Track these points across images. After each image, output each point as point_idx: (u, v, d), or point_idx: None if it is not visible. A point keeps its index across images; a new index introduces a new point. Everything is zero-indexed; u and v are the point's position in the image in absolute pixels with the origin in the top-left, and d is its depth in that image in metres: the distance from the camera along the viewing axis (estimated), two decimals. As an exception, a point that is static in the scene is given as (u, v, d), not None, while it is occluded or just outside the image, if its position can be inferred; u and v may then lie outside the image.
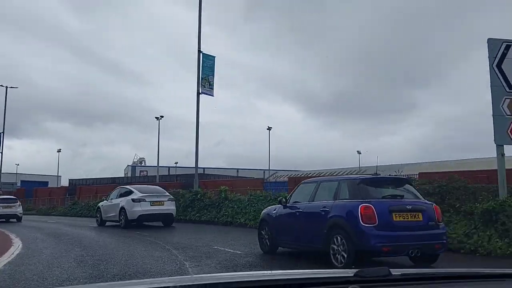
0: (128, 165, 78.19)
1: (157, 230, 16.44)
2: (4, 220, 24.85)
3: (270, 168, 58.64)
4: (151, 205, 17.79)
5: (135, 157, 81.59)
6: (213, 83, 23.68)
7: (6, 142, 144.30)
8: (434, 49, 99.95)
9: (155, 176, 50.98)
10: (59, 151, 73.23)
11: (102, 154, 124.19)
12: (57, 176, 73.90)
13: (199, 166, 24.79)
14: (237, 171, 67.32)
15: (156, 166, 52.36)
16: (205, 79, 23.32)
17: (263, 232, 10.41)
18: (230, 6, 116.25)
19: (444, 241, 8.05)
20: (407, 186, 8.65)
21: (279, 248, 10.08)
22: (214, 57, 24.27)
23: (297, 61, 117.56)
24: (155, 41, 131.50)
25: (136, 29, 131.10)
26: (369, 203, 7.70)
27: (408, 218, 7.79)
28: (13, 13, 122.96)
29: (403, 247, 7.58)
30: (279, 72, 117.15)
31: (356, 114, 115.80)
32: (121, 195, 18.98)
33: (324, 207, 8.46)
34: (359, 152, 60.68)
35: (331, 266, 7.83)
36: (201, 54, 23.56)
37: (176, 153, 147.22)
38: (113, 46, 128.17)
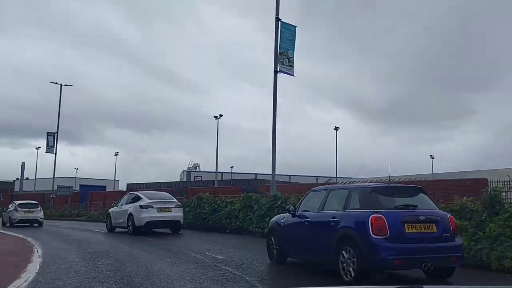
0: (183, 171, 79.91)
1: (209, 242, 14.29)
2: (28, 224, 25.60)
3: (323, 175, 57.96)
4: (158, 211, 17.56)
5: (190, 163, 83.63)
6: (294, 59, 19.26)
7: (71, 149, 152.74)
8: (493, 53, 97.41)
9: (213, 181, 51.34)
10: (116, 154, 75.66)
11: (158, 160, 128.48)
12: (114, 180, 75.12)
13: (250, 171, 24.46)
14: (289, 178, 65.77)
15: (210, 172, 52.81)
16: (284, 54, 18.96)
17: (270, 242, 10.10)
18: (283, 13, 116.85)
19: (460, 254, 7.62)
20: (422, 195, 8.23)
21: (287, 258, 9.75)
22: (295, 27, 19.72)
23: (350, 68, 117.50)
24: (208, 50, 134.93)
25: (190, 38, 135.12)
26: (380, 214, 7.33)
27: (421, 230, 7.39)
28: (76, 26, 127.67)
29: (416, 260, 7.18)
30: (332, 79, 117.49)
31: (410, 121, 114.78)
32: (130, 201, 18.73)
33: (334, 217, 8.11)
34: (432, 157, 58.68)
35: (341, 279, 7.48)
36: (279, 23, 19.06)
37: (227, 159, 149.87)
38: (169, 55, 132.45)
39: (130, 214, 17.84)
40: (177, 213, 18.09)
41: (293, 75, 19.27)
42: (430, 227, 7.47)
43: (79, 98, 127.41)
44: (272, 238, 10.06)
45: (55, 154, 47.97)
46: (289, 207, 9.76)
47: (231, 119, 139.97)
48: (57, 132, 47.80)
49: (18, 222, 25.68)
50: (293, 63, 19.15)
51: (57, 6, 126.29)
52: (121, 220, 18.69)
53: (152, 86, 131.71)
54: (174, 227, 18.18)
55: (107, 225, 20.40)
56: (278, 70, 18.75)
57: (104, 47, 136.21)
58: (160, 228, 18.26)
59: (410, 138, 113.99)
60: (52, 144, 47.69)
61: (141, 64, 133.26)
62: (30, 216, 26.19)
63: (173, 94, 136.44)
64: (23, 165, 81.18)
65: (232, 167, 69.95)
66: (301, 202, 9.73)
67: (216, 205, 20.26)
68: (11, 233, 19.43)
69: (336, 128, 58.75)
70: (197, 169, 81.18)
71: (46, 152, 48.76)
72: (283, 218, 10.00)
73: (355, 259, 7.35)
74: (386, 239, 7.17)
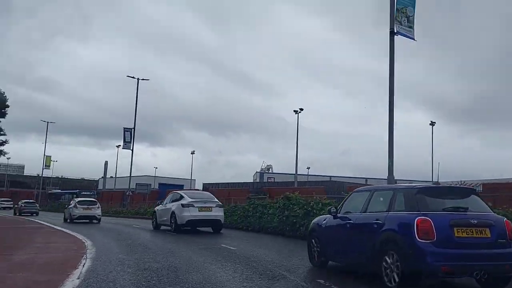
0: (256, 172, 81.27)
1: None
2: (88, 221, 26.80)
3: (401, 178, 55.50)
4: (199, 210, 17.92)
5: (263, 164, 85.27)
6: (414, 19, 15.53)
7: (152, 150, 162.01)
8: None
9: (287, 182, 50.69)
10: (192, 152, 79.65)
11: (232, 161, 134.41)
12: (191, 179, 77.69)
13: (323, 174, 23.96)
14: (366, 181, 63.65)
15: (283, 173, 52.41)
16: (402, 12, 15.26)
17: (312, 244, 9.73)
18: (358, 11, 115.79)
19: (517, 261, 6.96)
20: (473, 197, 7.61)
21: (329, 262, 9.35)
22: None
23: (430, 66, 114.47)
24: (283, 51, 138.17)
25: (265, 39, 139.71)
26: (426, 216, 6.81)
27: (472, 234, 6.80)
28: (157, 32, 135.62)
29: (466, 267, 6.61)
30: (410, 78, 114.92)
31: (497, 120, 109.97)
32: (174, 200, 19.19)
33: (377, 219, 7.63)
34: None
35: (384, 285, 7.02)
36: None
37: (299, 160, 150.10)
38: (243, 58, 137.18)
39: (173, 213, 18.34)
40: (217, 213, 18.35)
41: (414, 39, 15.57)
42: (483, 232, 6.86)
43: (159, 101, 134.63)
44: (313, 240, 9.68)
45: (132, 150, 47.47)
46: (331, 208, 9.34)
47: (304, 120, 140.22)
48: (134, 128, 47.27)
49: (77, 219, 26.87)
50: (414, 23, 15.54)
51: (139, 13, 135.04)
52: (165, 218, 19.20)
53: (227, 89, 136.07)
54: (215, 226, 18.42)
55: (153, 223, 20.92)
56: (395, 31, 15.04)
57: (182, 51, 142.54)
58: (201, 227, 18.65)
59: (495, 138, 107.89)
60: (129, 140, 47.20)
61: (217, 66, 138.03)
62: (88, 212, 27.33)
63: (247, 96, 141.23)
64: (106, 164, 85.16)
65: (308, 168, 68.80)
66: (343, 203, 9.28)
67: (309, 207, 16.46)
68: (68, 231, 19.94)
69: (433, 123, 55.37)
70: (270, 171, 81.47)
71: (123, 148, 48.70)
72: (324, 220, 9.60)
73: (398, 264, 6.87)
74: (433, 243, 6.64)
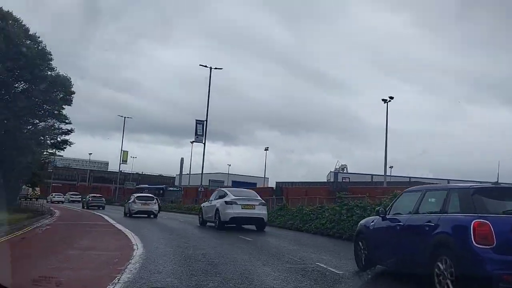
0: (330, 171, 79.72)
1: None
2: (146, 216, 27.80)
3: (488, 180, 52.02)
4: (242, 208, 17.99)
5: (337, 164, 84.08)
6: None
7: (226, 149, 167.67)
8: None
9: (369, 182, 48.26)
10: (266, 149, 77.83)
11: (304, 160, 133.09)
12: (264, 177, 78.45)
13: (403, 175, 22.13)
14: (448, 182, 57.14)
15: (358, 174, 50.33)
16: None
17: (359, 246, 9.22)
18: (440, 5, 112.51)
19: None
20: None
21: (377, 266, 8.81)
22: None
23: None
24: (356, 49, 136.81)
25: (339, 36, 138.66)
26: (485, 219, 6.18)
27: (538, 241, 6.11)
28: (231, 32, 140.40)
29: (531, 277, 5.93)
30: (496, 74, 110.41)
31: None
32: (218, 197, 19.45)
33: (429, 221, 7.05)
34: None
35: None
36: None
37: (375, 160, 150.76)
38: (316, 56, 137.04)
39: (217, 210, 18.54)
40: (261, 211, 18.30)
41: None
42: (550, 239, 6.15)
43: (234, 102, 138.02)
44: (360, 243, 9.17)
45: (204, 143, 46.37)
46: (379, 208, 8.80)
47: (378, 119, 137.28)
48: (206, 120, 46.29)
49: (135, 213, 27.91)
50: None
51: (216, 14, 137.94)
52: (210, 215, 19.54)
53: (300, 87, 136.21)
54: (258, 224, 18.44)
55: (199, 219, 21.31)
56: None
57: (256, 51, 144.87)
58: (245, 225, 18.68)
59: None
60: (201, 133, 46.23)
61: (290, 65, 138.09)
62: (146, 208, 28.40)
63: (320, 94, 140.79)
64: (182, 160, 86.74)
65: (391, 167, 65.04)
66: (393, 203, 8.72)
67: None
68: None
69: None
70: (345, 171, 79.85)
71: (195, 141, 47.43)
72: (372, 221, 9.06)
73: (452, 271, 6.28)
74: (492, 249, 6.01)
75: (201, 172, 46.62)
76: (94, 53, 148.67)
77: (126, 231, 16.90)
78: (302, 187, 45.88)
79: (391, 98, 43.93)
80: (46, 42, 31.11)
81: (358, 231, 9.61)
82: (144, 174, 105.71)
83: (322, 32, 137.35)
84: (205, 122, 45.59)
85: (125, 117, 70.35)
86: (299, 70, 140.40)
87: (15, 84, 30.54)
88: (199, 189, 49.03)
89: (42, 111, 32.23)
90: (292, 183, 60.00)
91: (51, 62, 30.84)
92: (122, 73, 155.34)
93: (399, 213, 8.17)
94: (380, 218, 8.62)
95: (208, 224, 19.95)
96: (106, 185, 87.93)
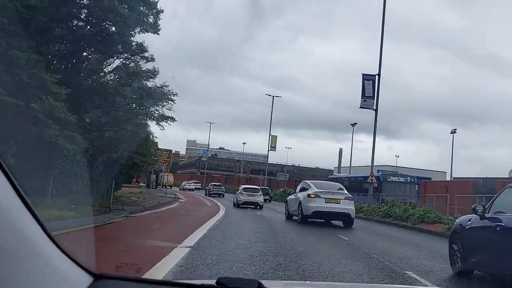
0: None
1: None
2: (253, 206, 28.98)
3: None
4: (326, 202, 16.99)
5: None
6: None
7: (388, 143, 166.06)
8: None
9: None
10: (453, 131, 56.05)
11: (476, 155, 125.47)
12: (442, 171, 71.71)
13: None
14: None
15: None
16: None
17: (454, 247, 8.20)
18: None
19: None
20: None
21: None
22: None
23: None
24: None
25: None
26: None
27: None
28: (392, 22, 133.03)
29: None
30: None
31: None
32: (301, 190, 18.88)
33: (537, 222, 5.96)
34: None
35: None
36: None
37: None
38: (489, 39, 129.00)
39: (300, 203, 17.89)
40: (346, 206, 17.19)
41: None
42: None
43: (395, 93, 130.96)
44: (454, 244, 8.16)
45: (376, 110, 31.86)
46: (476, 206, 7.72)
47: None
48: (378, 78, 39.19)
49: (242, 204, 29.23)
50: None
51: (374, 5, 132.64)
52: (294, 208, 18.93)
53: (471, 75, 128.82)
54: (344, 220, 17.42)
55: (285, 212, 20.92)
56: None
57: (419, 39, 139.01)
58: (329, 220, 17.75)
59: None
60: (371, 94, 28.65)
61: (459, 52, 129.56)
62: (251, 199, 29.58)
63: (497, 83, 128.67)
64: (340, 151, 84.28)
65: None
66: (493, 200, 7.59)
67: None
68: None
69: None
70: None
71: (361, 107, 28.99)
72: (469, 220, 8.00)
73: None
74: None
75: (370, 164, 34.31)
76: (256, 53, 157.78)
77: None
78: None
79: None
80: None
81: (453, 231, 8.61)
82: (300, 166, 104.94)
83: (495, 12, 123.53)
84: (376, 77, 30.63)
85: (273, 96, 66.86)
86: (468, 55, 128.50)
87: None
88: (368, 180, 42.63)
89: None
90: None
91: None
92: (282, 71, 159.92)
93: (501, 212, 7.07)
94: (478, 217, 7.56)
95: (294, 217, 19.46)
96: (257, 176, 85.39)
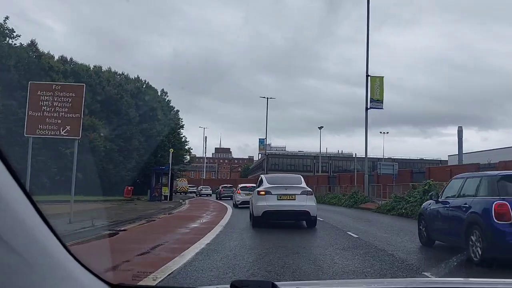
0: None
1: None
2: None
3: None
4: (278, 199, 14.05)
5: None
6: None
7: (482, 134, 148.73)
8: None
9: None
10: None
11: None
12: None
13: None
14: None
15: None
16: None
17: (420, 225, 11.00)
18: None
19: None
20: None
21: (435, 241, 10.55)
22: None
23: None
24: None
25: None
26: (504, 201, 7.79)
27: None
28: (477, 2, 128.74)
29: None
30: None
31: None
32: (257, 186, 15.85)
33: (465, 203, 8.75)
34: None
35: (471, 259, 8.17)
36: None
37: None
38: None
39: (251, 202, 15.86)
40: (303, 202, 14.06)
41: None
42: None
43: (484, 79, 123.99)
44: (420, 223, 10.97)
45: None
46: (432, 193, 10.52)
47: None
48: None
49: (240, 204, 27.66)
50: None
51: None
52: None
53: None
54: (304, 220, 14.78)
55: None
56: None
57: (506, 19, 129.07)
58: (285, 220, 14.89)
59: None
60: None
61: None
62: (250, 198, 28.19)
63: None
64: (460, 131, 71.99)
65: None
66: (444, 189, 10.39)
67: None
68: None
69: None
70: None
71: None
72: (429, 204, 10.80)
73: (481, 241, 7.97)
74: (510, 224, 7.63)
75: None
76: (332, 50, 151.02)
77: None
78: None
79: None
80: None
81: (419, 213, 11.39)
82: (402, 158, 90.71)
83: None
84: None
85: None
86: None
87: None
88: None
89: None
90: None
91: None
92: (357, 67, 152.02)
93: (448, 197, 9.86)
94: (434, 201, 10.35)
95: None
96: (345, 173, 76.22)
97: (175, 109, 61.61)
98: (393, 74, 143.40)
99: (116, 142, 44.31)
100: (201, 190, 62.42)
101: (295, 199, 14.07)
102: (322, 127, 65.56)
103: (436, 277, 6.68)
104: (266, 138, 75.61)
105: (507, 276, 6.20)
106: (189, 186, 64.21)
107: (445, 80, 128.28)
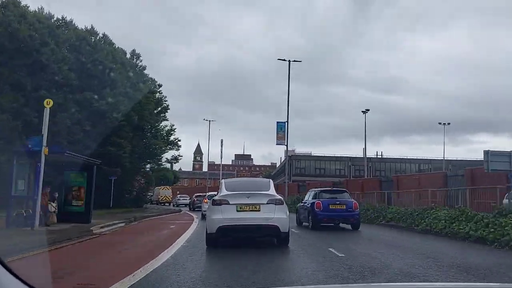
0: None
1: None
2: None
3: None
4: (237, 210, 11.08)
5: None
6: None
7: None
8: None
9: None
10: None
11: None
12: None
13: None
14: None
15: None
16: None
17: (296, 216, 21.02)
18: None
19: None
20: (344, 193, 18.55)
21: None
22: None
23: None
24: None
25: None
26: (319, 200, 17.86)
27: (335, 207, 17.83)
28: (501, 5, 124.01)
29: (333, 219, 17.76)
30: None
31: None
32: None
33: (305, 203, 18.88)
34: None
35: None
36: None
37: None
38: None
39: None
40: (270, 214, 11.08)
41: None
42: (342, 206, 17.86)
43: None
44: (296, 215, 21.16)
45: None
46: (301, 198, 20.75)
47: None
48: None
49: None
50: None
51: None
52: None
53: None
54: (269, 235, 11.81)
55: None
56: None
57: None
58: (248, 236, 11.73)
59: None
60: None
61: None
62: None
63: None
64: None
65: None
66: (305, 196, 20.71)
67: None
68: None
69: None
70: None
71: None
72: (299, 204, 20.98)
73: (309, 220, 18.03)
74: (321, 210, 17.65)
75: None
76: (357, 56, 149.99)
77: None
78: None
79: None
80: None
81: (296, 209, 21.35)
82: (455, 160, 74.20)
83: None
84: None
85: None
86: None
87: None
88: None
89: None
90: None
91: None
92: (385, 72, 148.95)
93: (305, 200, 19.95)
94: (302, 203, 20.45)
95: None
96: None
97: (156, 82, 43.89)
98: (422, 78, 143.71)
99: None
100: (179, 199, 54.86)
101: (259, 210, 11.18)
102: (368, 110, 51.46)
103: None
104: (288, 114, 43.43)
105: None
106: (183, 197, 55.48)
107: (476, 86, 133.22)
